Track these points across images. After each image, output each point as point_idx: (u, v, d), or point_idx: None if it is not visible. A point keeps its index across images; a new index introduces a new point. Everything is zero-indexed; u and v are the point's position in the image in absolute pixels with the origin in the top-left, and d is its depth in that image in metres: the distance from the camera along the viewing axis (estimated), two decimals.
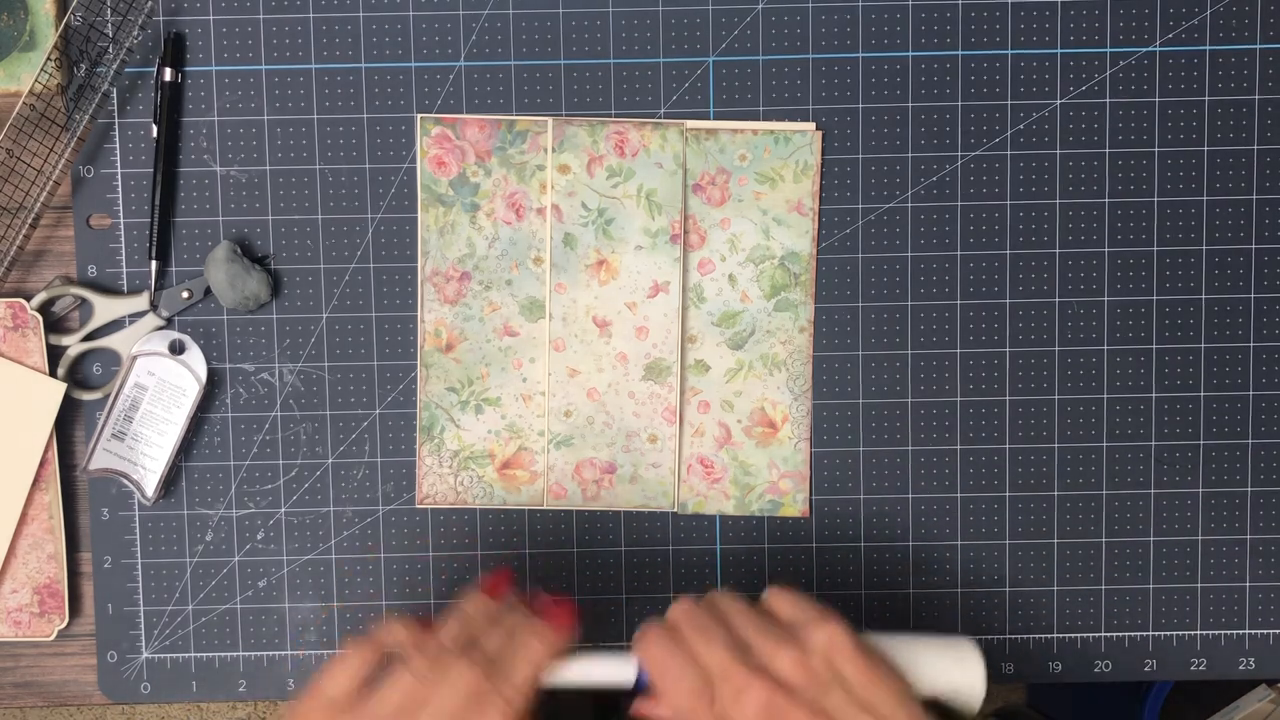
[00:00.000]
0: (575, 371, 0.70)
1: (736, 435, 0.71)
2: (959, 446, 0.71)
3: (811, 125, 0.70)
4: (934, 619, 0.71)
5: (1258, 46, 0.70)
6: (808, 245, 0.70)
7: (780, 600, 0.58)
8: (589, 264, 0.70)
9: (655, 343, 0.70)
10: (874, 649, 0.56)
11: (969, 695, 0.60)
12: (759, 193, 0.70)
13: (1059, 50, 0.70)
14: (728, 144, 0.69)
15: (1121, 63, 0.70)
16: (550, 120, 0.69)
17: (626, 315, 0.70)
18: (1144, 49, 0.70)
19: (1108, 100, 0.70)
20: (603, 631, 0.72)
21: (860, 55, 0.70)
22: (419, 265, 0.70)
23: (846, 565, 0.71)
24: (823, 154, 0.70)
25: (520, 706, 0.55)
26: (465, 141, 0.69)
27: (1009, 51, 0.70)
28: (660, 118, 0.70)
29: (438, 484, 0.71)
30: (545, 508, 0.71)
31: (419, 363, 0.70)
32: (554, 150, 0.69)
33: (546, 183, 0.69)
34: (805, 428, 0.71)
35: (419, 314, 0.70)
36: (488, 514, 0.71)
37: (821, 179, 0.70)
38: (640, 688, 0.58)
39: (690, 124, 0.69)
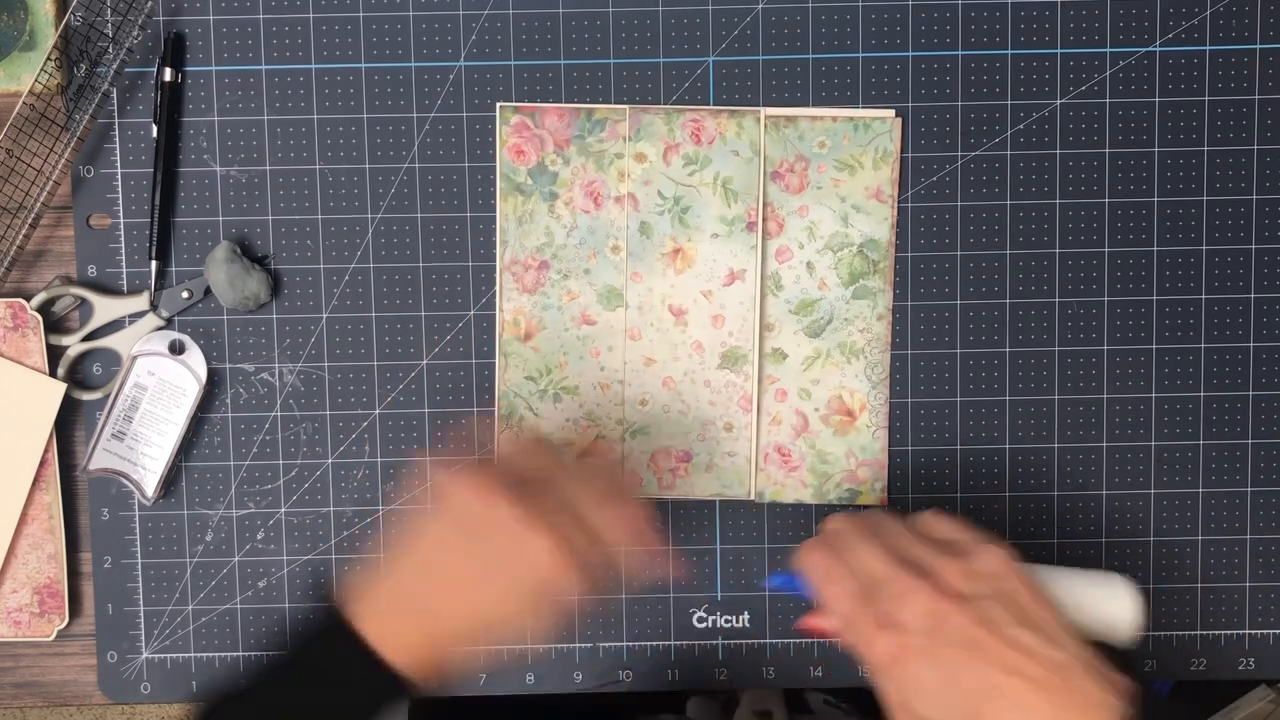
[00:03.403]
0: (651, 360, 0.70)
1: (814, 424, 0.71)
2: (959, 446, 0.71)
3: (891, 112, 0.70)
4: None
5: (1258, 46, 0.70)
6: (886, 233, 0.70)
7: (940, 522, 0.58)
8: (665, 252, 0.70)
9: (731, 331, 0.70)
10: (1032, 577, 0.56)
11: (1121, 629, 0.58)
12: (838, 180, 0.69)
13: (1059, 50, 0.70)
14: (807, 131, 0.69)
15: (1121, 63, 0.70)
16: (628, 109, 0.69)
17: (702, 304, 0.70)
18: (1144, 49, 0.70)
19: (1108, 100, 0.70)
20: (603, 631, 0.72)
21: (860, 55, 0.70)
22: (497, 254, 0.70)
23: None
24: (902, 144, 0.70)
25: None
26: (544, 130, 0.69)
27: (1009, 51, 0.70)
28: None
29: None
30: None
31: (498, 351, 0.70)
32: (630, 139, 0.69)
33: (624, 171, 0.69)
34: (883, 416, 0.71)
35: (498, 303, 0.70)
36: None
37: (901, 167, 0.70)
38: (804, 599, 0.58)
39: (768, 111, 0.69)
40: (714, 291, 0.70)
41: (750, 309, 0.70)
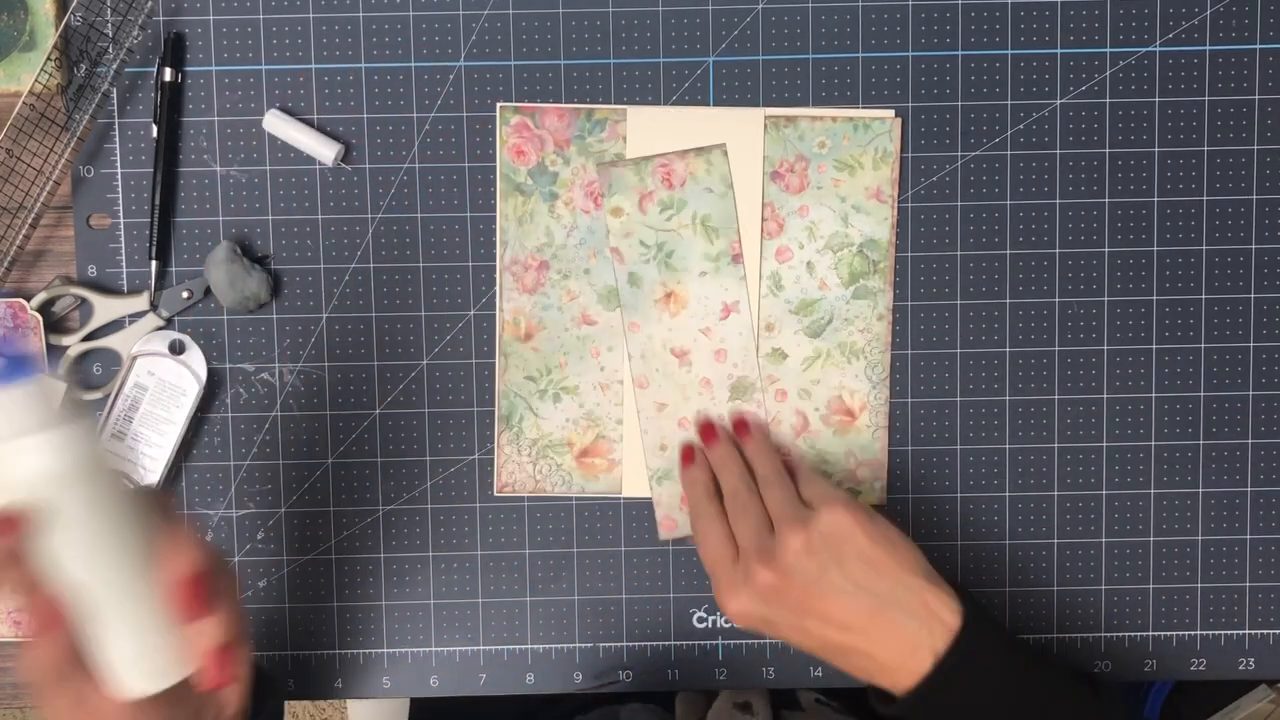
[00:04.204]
0: (663, 405, 0.70)
1: (814, 424, 0.71)
2: (959, 446, 0.71)
3: (891, 112, 0.70)
4: None
5: (1258, 46, 0.70)
6: (886, 232, 0.70)
7: (805, 481, 0.65)
8: (657, 298, 0.70)
9: (736, 362, 0.70)
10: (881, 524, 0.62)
11: None
12: (838, 180, 0.70)
13: (1059, 50, 0.70)
14: (807, 131, 0.69)
15: (1121, 63, 0.70)
16: (627, 109, 0.69)
17: (703, 341, 0.70)
18: (1144, 49, 0.70)
19: (1108, 100, 0.70)
20: (603, 631, 0.72)
21: (860, 55, 0.70)
22: (497, 254, 0.70)
23: None
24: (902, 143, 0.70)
25: None
26: (544, 130, 0.69)
27: (1009, 51, 0.70)
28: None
29: (516, 472, 0.71)
30: (624, 496, 0.71)
31: (498, 352, 0.70)
32: (605, 195, 0.69)
33: (615, 210, 0.70)
34: (883, 416, 0.71)
35: (498, 303, 0.70)
36: (485, 513, 0.71)
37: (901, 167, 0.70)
38: None
39: (770, 111, 0.69)
40: (712, 328, 0.70)
41: (750, 339, 0.70)
